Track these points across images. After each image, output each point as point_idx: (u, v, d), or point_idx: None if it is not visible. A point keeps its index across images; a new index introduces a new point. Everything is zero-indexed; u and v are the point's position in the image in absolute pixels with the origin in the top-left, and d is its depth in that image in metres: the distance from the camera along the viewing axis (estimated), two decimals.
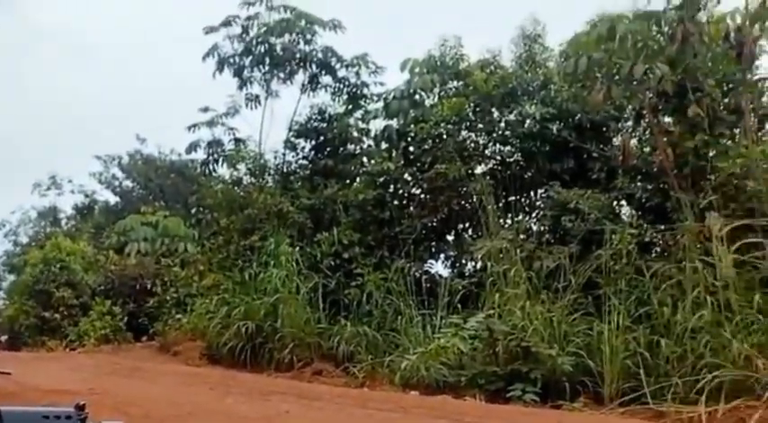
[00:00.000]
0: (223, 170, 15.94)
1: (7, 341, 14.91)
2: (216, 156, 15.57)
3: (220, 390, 7.19)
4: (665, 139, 11.36)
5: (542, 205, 13.11)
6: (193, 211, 20.29)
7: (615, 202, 12.02)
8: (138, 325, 16.06)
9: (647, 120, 12.11)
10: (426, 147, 13.18)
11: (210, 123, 15.58)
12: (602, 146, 12.98)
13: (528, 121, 13.34)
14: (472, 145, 13.76)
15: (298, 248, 12.35)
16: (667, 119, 11.94)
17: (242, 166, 15.42)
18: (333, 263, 12.40)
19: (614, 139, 13.27)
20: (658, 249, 11.42)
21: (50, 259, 18.00)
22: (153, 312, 15.45)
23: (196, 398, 6.42)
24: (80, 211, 27.63)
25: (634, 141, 12.77)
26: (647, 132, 12.65)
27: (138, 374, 9.02)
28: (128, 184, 26.94)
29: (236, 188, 15.17)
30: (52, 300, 17.36)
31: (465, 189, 12.76)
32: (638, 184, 11.74)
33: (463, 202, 13.00)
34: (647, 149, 12.54)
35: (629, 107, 12.75)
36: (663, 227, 10.91)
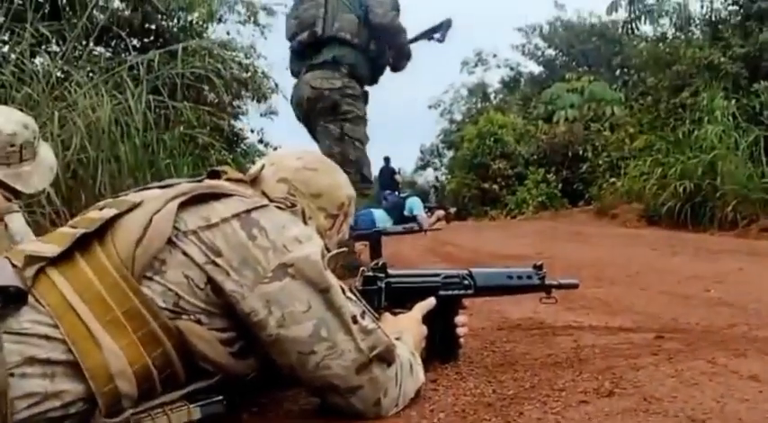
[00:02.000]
0: (646, 27, 15.40)
1: (455, 212, 16.20)
2: (638, 13, 15.04)
3: (664, 250, 7.15)
4: None
5: None
6: (617, 72, 19.97)
7: None
8: (572, 191, 16.47)
9: None
10: None
11: None
12: None
13: None
14: None
15: (733, 101, 11.62)
16: None
17: (665, 21, 14.75)
18: None
19: None
20: None
21: (484, 133, 19.08)
22: (586, 177, 15.70)
23: (641, 258, 6.46)
24: (506, 84, 28.59)
25: None
26: None
27: (580, 238, 9.26)
28: (550, 52, 27.14)
29: (660, 44, 14.57)
30: (489, 171, 18.49)
31: None
32: None
33: None
34: None
35: None
36: None
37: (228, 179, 1.90)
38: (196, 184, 1.77)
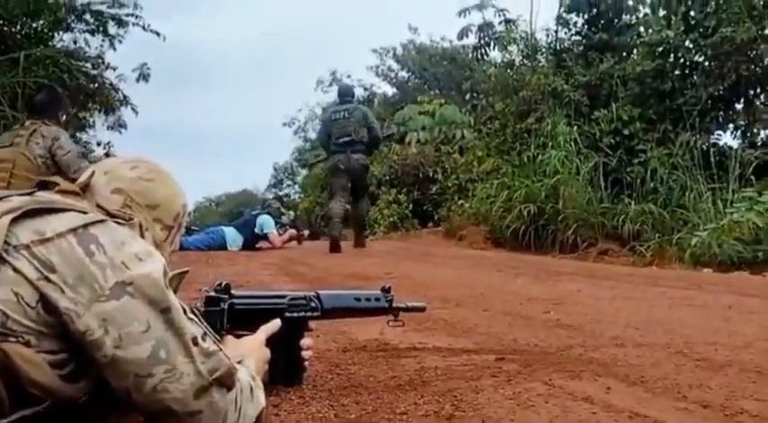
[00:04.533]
0: (495, 53, 15.89)
1: (308, 232, 16.07)
2: (487, 39, 15.51)
3: (509, 271, 7.33)
4: None
5: None
6: (468, 97, 20.49)
7: None
8: (422, 212, 16.66)
9: None
10: (709, 10, 12.21)
11: (480, 6, 15.51)
12: None
13: None
14: (762, 2, 12.54)
15: (575, 128, 12.11)
16: None
17: (513, 48, 15.25)
18: (612, 140, 12.03)
19: None
20: None
21: None
22: (436, 199, 15.95)
23: (487, 279, 6.60)
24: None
25: None
26: None
27: (428, 259, 9.37)
28: (403, 74, 27.48)
29: (508, 71, 15.05)
30: None
31: (756, 52, 11.76)
32: None
33: (753, 67, 11.97)
34: None
35: None
36: None
37: (61, 191, 1.81)
38: (29, 199, 1.67)
